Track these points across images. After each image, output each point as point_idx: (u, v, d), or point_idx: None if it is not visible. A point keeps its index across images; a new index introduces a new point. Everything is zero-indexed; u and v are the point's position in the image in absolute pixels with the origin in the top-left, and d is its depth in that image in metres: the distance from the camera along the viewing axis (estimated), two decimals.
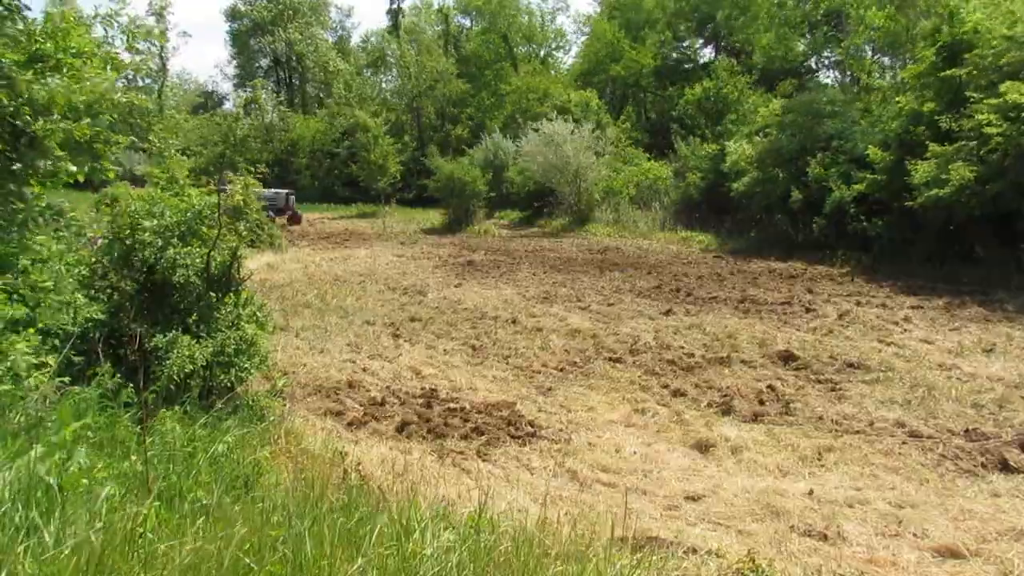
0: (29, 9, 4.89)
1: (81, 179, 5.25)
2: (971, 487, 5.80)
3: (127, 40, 5.75)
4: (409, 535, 3.19)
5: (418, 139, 47.46)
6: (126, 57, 6.02)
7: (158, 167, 6.70)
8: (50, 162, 4.83)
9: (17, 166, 4.78)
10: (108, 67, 5.50)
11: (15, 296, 4.92)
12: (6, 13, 4.66)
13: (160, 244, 5.83)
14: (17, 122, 4.58)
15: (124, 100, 5.50)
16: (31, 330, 4.72)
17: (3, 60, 4.54)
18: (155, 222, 5.86)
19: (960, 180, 14.67)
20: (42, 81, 4.77)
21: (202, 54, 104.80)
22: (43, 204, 5.37)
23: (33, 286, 5.03)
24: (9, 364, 4.34)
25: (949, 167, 15.06)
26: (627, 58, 40.96)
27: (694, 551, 4.41)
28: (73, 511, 2.95)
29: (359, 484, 4.36)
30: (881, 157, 18.18)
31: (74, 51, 5.08)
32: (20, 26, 4.78)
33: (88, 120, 5.05)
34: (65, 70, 5.01)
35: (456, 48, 53.22)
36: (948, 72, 16.47)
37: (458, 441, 6.82)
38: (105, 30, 5.61)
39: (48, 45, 4.94)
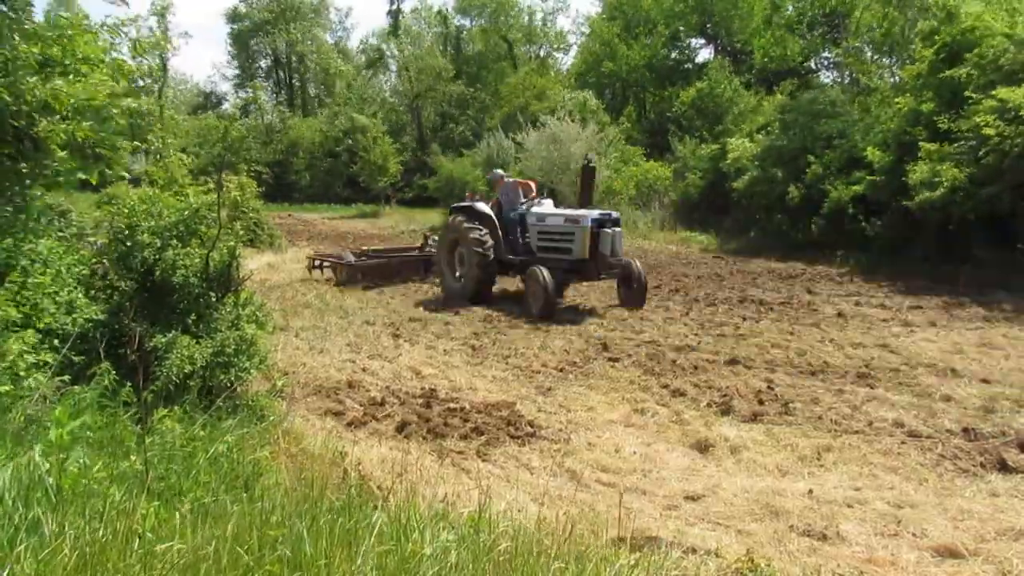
0: (32, 6, 4.91)
1: (95, 182, 5.27)
2: (970, 487, 5.80)
3: (133, 48, 5.79)
4: (409, 535, 3.19)
5: (418, 139, 47.49)
6: (132, 63, 6.05)
7: (156, 167, 6.72)
8: (55, 164, 4.85)
9: (22, 166, 4.80)
10: (116, 75, 5.52)
11: (13, 297, 4.92)
12: (12, 15, 4.68)
13: (159, 244, 5.83)
14: (20, 123, 4.59)
15: (135, 105, 5.54)
16: (29, 331, 4.73)
17: (9, 58, 4.55)
18: (153, 222, 5.86)
19: (951, 181, 14.70)
20: (48, 84, 4.80)
21: (201, 55, 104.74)
22: (43, 204, 5.39)
23: (26, 285, 5.03)
24: (7, 364, 4.35)
25: (940, 168, 15.11)
26: (622, 55, 40.99)
27: (693, 551, 4.41)
28: (72, 510, 2.95)
29: (359, 484, 4.36)
30: (880, 157, 18.20)
31: (81, 57, 5.10)
32: (27, 27, 4.80)
33: (91, 124, 5.07)
34: (72, 76, 5.03)
35: (456, 49, 53.24)
36: (947, 73, 16.47)
37: (458, 441, 6.82)
38: (111, 39, 5.63)
39: (55, 49, 4.96)
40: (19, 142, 4.68)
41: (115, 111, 5.27)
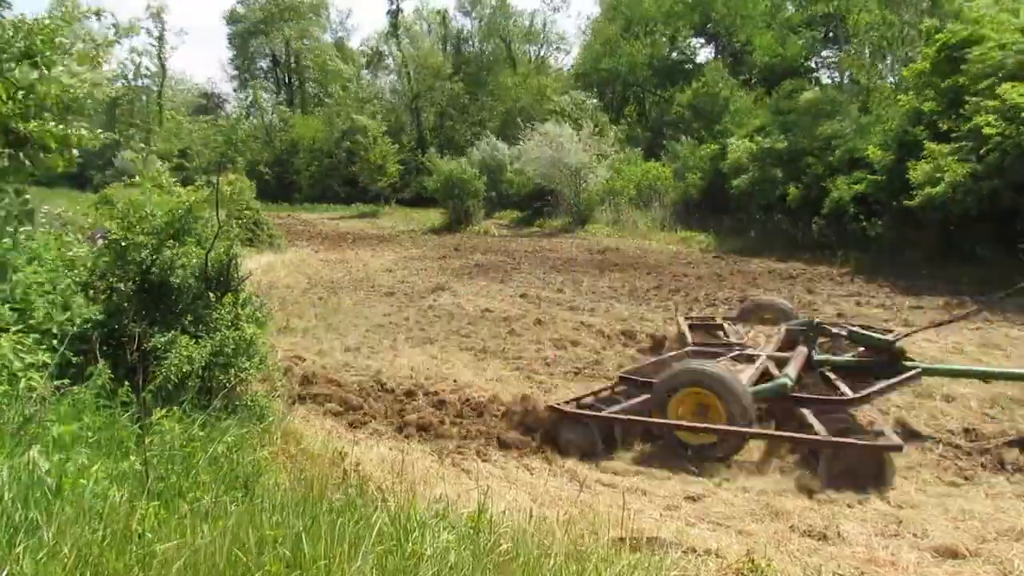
0: (9, 7, 4.91)
1: (60, 168, 5.26)
2: (971, 487, 5.79)
3: (114, 32, 5.77)
4: (409, 535, 3.18)
5: (417, 139, 47.47)
6: (116, 53, 6.05)
7: (143, 173, 6.67)
8: (46, 161, 4.85)
9: (6, 164, 4.79)
10: (89, 63, 5.50)
11: (4, 295, 4.91)
12: None
13: (155, 244, 5.82)
14: (11, 123, 4.58)
15: (106, 87, 5.50)
16: (19, 328, 4.70)
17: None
18: (147, 223, 5.85)
19: (954, 178, 14.69)
20: (44, 80, 4.80)
21: (200, 56, 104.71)
22: (23, 201, 5.38)
23: (24, 284, 5.02)
24: (2, 364, 4.33)
25: (943, 165, 15.10)
26: (622, 55, 40.99)
27: (693, 551, 4.40)
28: (71, 511, 2.95)
29: (359, 484, 4.35)
30: (880, 157, 18.20)
31: (58, 46, 5.08)
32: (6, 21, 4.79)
33: (88, 131, 5.07)
34: (60, 66, 5.02)
35: (456, 49, 53.22)
36: (949, 81, 16.45)
37: (458, 441, 6.82)
38: (87, 20, 5.60)
39: (38, 40, 4.94)
40: (5, 136, 4.68)
41: (83, 100, 5.26)
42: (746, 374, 7.08)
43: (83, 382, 4.71)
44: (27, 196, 5.43)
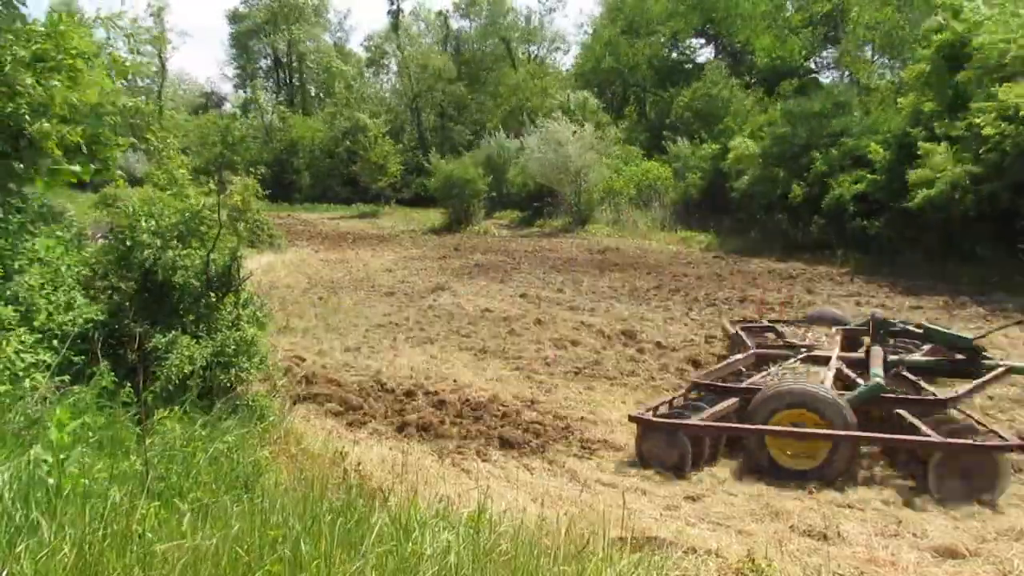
0: (25, 5, 4.91)
1: (87, 179, 5.27)
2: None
3: (129, 42, 5.78)
4: (409, 535, 3.18)
5: (418, 139, 47.48)
6: (128, 59, 6.02)
7: (158, 167, 6.70)
8: (50, 161, 4.85)
9: (18, 166, 4.80)
10: (112, 71, 5.51)
11: (8, 296, 4.92)
12: (4, 11, 4.67)
13: (159, 244, 5.82)
14: (14, 124, 4.59)
15: (130, 104, 5.52)
16: (23, 329, 4.71)
17: (4, 59, 4.54)
18: (154, 223, 5.86)
19: (951, 179, 14.71)
20: (41, 83, 4.80)
21: (201, 55, 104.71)
22: (40, 203, 5.38)
23: (27, 285, 5.03)
24: (4, 364, 4.34)
25: (938, 165, 15.14)
26: (623, 55, 41.00)
27: (694, 551, 4.40)
28: (72, 511, 2.95)
29: (359, 484, 4.35)
30: (881, 157, 18.22)
31: (75, 52, 5.09)
32: (18, 24, 4.79)
33: (88, 123, 5.07)
34: (65, 72, 5.02)
35: (456, 50, 53.24)
36: (949, 76, 16.47)
37: (458, 441, 6.82)
38: (107, 33, 5.62)
39: (48, 45, 4.95)
40: (15, 140, 4.69)
41: (109, 107, 5.28)
42: (826, 378, 6.78)
43: (84, 382, 4.71)
44: (48, 201, 5.46)
